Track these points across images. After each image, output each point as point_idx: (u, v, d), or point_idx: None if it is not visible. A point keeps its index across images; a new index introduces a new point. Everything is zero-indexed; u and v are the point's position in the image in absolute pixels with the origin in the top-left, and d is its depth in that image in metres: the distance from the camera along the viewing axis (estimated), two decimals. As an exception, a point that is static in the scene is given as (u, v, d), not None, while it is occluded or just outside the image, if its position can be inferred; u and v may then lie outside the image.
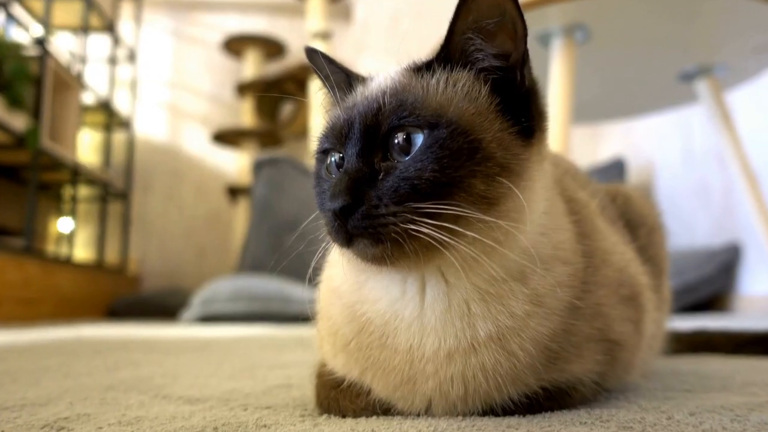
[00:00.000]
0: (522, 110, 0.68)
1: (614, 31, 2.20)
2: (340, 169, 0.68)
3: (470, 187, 0.63)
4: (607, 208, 0.99)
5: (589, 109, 3.02)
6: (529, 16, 0.68)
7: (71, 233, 4.86)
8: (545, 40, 2.19)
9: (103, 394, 0.96)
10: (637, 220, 1.04)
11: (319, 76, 0.78)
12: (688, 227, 4.31)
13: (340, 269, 0.77)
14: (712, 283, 3.79)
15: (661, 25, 2.15)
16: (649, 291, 0.91)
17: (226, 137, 5.50)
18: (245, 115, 5.54)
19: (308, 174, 4.53)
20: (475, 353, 0.68)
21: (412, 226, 0.61)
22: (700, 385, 0.96)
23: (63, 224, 4.99)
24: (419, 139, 0.65)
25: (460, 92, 0.68)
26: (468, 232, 0.63)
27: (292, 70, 5.24)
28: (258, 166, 4.56)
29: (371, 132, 0.67)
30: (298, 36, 5.82)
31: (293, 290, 3.54)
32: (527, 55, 0.69)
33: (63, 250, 4.77)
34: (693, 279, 3.73)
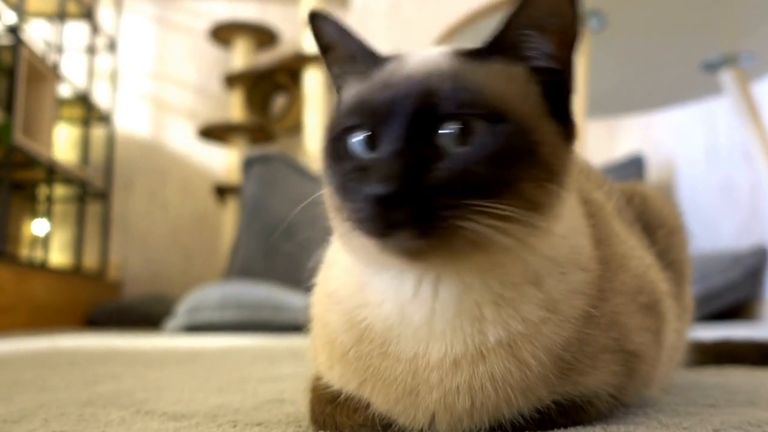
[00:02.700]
0: (565, 114, 0.70)
1: (632, 17, 2.20)
2: (374, 151, 0.67)
3: (522, 190, 0.64)
4: (624, 209, 0.99)
5: (605, 102, 3.02)
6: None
7: (47, 236, 4.86)
8: (558, 27, 2.20)
9: (81, 409, 0.96)
10: (656, 222, 1.04)
11: (324, 47, 0.76)
12: (712, 229, 4.32)
13: (337, 270, 0.77)
14: (738, 289, 3.79)
15: (682, 10, 2.15)
16: (670, 298, 0.91)
17: (213, 132, 5.50)
18: (234, 109, 5.55)
19: (302, 172, 4.55)
20: (484, 361, 0.68)
21: (463, 223, 0.62)
22: (724, 400, 0.96)
23: (38, 226, 4.99)
24: (479, 129, 0.65)
25: (519, 87, 0.69)
26: (517, 236, 0.64)
27: (285, 61, 5.24)
28: (248, 164, 4.56)
29: (422, 115, 0.65)
30: (291, 24, 5.83)
31: (286, 297, 3.54)
32: (574, 59, 0.71)
33: (38, 255, 4.77)
34: (717, 285, 3.73)
